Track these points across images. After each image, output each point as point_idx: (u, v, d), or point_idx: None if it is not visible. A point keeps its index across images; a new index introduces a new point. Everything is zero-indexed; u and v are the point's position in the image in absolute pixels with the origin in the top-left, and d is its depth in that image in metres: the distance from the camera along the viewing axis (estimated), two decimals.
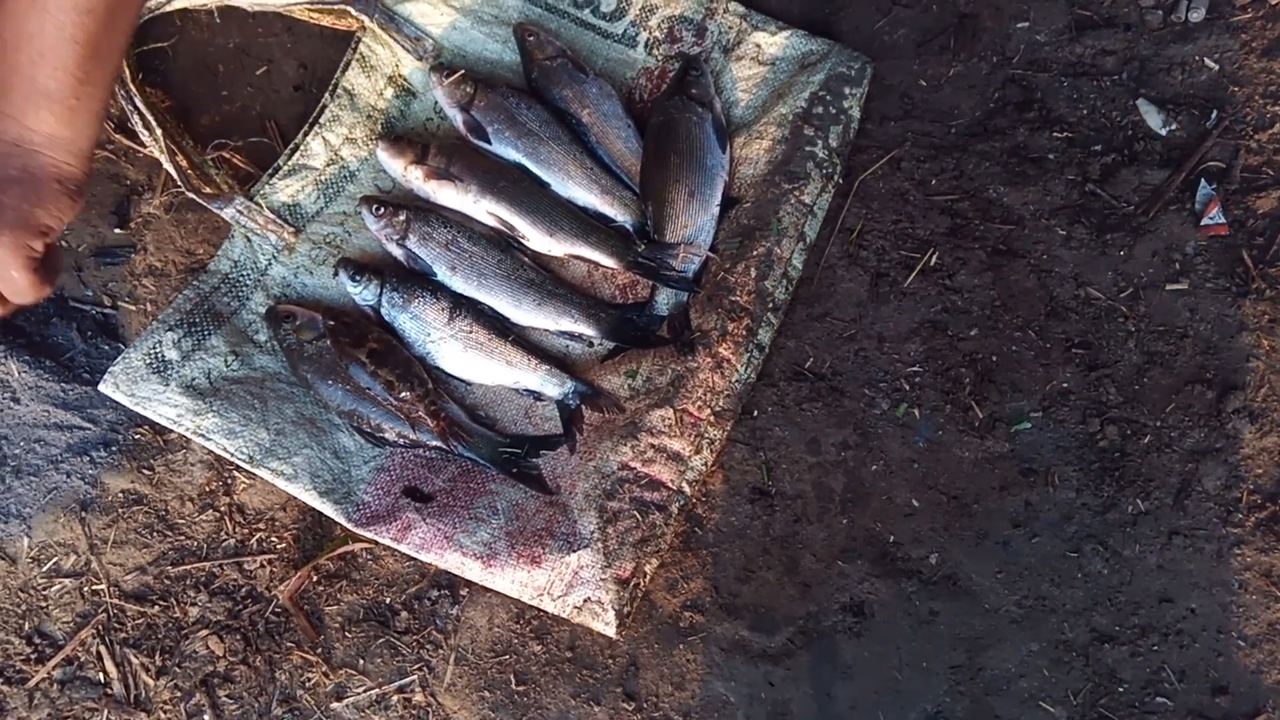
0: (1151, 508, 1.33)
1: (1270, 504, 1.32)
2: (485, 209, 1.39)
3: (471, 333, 1.36)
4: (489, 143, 1.41)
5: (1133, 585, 1.31)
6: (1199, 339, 1.37)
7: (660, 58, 1.49)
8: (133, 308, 1.42)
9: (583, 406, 1.36)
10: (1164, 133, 1.45)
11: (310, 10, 1.45)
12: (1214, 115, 1.44)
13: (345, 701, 1.30)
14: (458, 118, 1.42)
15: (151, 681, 1.30)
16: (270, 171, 1.42)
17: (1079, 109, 1.46)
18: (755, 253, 1.36)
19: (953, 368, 1.38)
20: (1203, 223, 1.40)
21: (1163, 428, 1.35)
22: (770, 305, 1.36)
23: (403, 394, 1.31)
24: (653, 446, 1.30)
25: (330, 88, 1.45)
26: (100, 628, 1.31)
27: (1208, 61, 1.46)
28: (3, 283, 1.07)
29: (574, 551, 1.27)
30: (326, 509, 1.29)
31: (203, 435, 1.28)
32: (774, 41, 1.46)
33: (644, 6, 1.49)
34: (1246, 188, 1.41)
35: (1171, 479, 1.33)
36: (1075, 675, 1.29)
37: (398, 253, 1.38)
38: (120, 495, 1.35)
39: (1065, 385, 1.37)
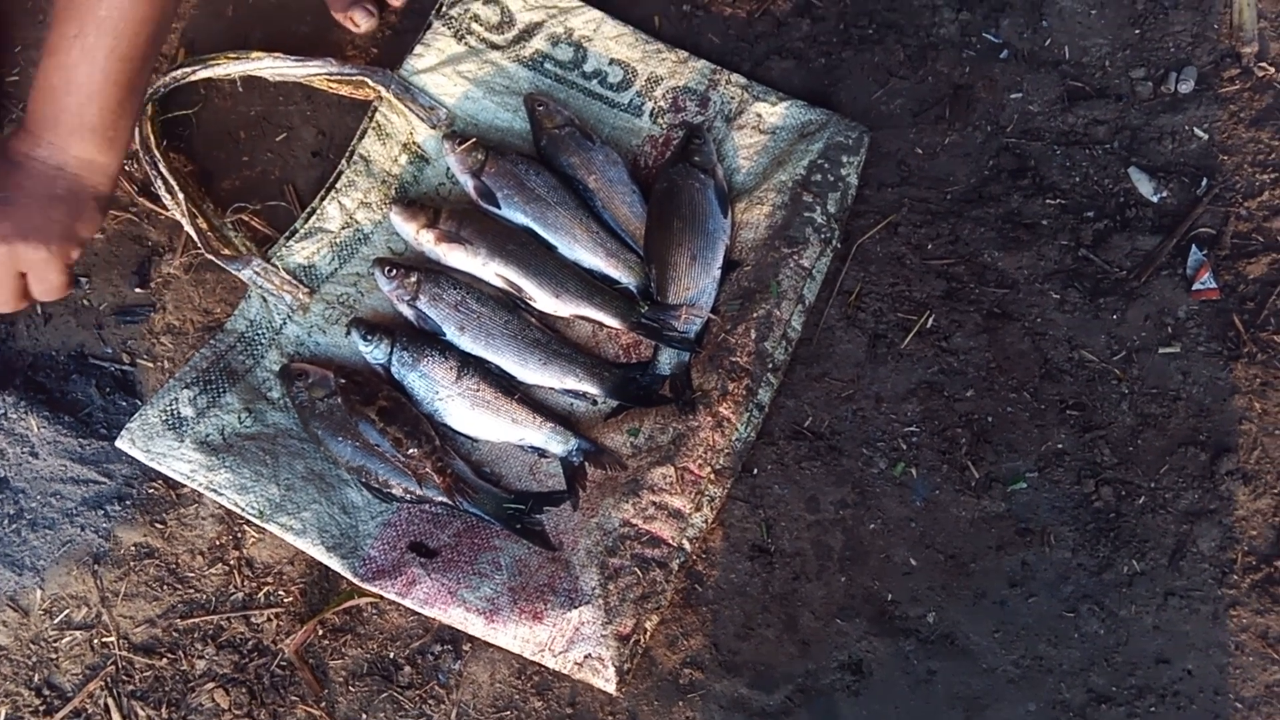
0: (1147, 568, 1.34)
1: (1265, 565, 1.33)
2: (494, 271, 1.43)
3: (479, 391, 1.39)
4: (499, 207, 1.46)
5: (1129, 646, 1.32)
6: (1192, 402, 1.40)
7: (665, 126, 1.54)
8: (151, 365, 1.46)
9: (586, 463, 1.38)
10: (1155, 200, 1.48)
11: (329, 80, 1.51)
12: (1204, 183, 1.48)
13: None
14: (469, 183, 1.47)
15: None
16: (287, 234, 1.47)
17: (1071, 176, 1.50)
18: (755, 314, 1.40)
19: (949, 428, 1.40)
20: (1194, 287, 1.43)
21: (1157, 489, 1.37)
22: (770, 366, 1.39)
23: (410, 450, 1.34)
24: (654, 504, 1.33)
25: (347, 154, 1.50)
26: (109, 680, 1.33)
27: (1197, 131, 1.50)
28: (40, 283, 1.23)
29: (575, 608, 1.29)
30: (333, 564, 1.31)
31: (215, 490, 1.31)
32: (774, 111, 1.51)
33: (649, 77, 1.55)
34: (1237, 254, 1.45)
35: (1166, 540, 1.35)
36: None
37: (408, 313, 1.42)
38: (132, 548, 1.37)
39: (1060, 446, 1.39)
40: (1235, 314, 1.42)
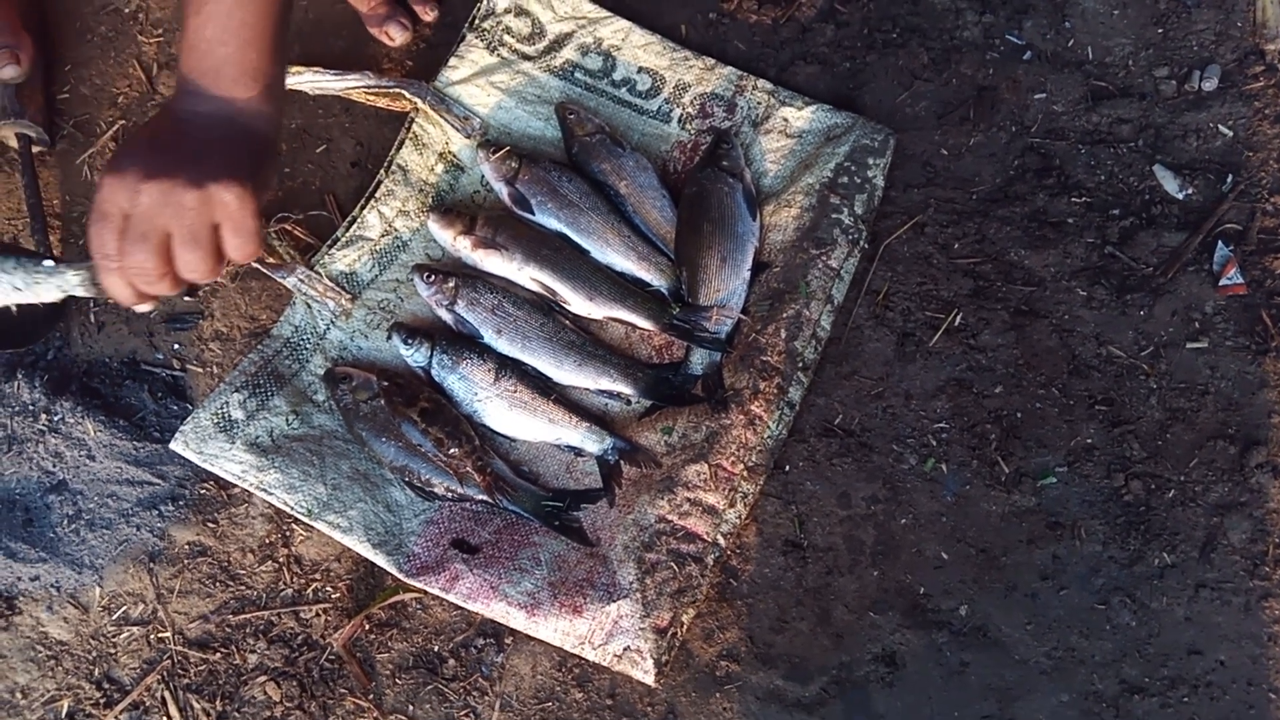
0: (1178, 561, 1.35)
1: None
2: (529, 275, 1.47)
3: (516, 392, 1.43)
4: (532, 213, 1.50)
5: (1161, 637, 1.33)
6: (1220, 396, 1.41)
7: (693, 132, 1.58)
8: (200, 370, 1.51)
9: (621, 462, 1.42)
10: (1181, 197, 1.50)
11: (367, 94, 1.56)
12: (1229, 179, 1.49)
13: None
14: (503, 190, 1.51)
15: None
16: (329, 242, 1.51)
17: (1097, 175, 1.51)
18: (785, 315, 1.43)
19: (978, 424, 1.42)
20: (1221, 283, 1.45)
21: (1187, 482, 1.38)
22: (800, 364, 1.42)
23: (451, 450, 1.38)
24: (688, 500, 1.36)
25: (385, 164, 1.54)
26: (165, 674, 1.38)
27: (1222, 128, 1.52)
28: (235, 233, 1.12)
29: (614, 601, 1.32)
30: (379, 560, 1.35)
31: (265, 490, 1.36)
32: (801, 115, 1.54)
33: (677, 84, 1.58)
34: (1263, 249, 1.46)
35: (1197, 532, 1.36)
36: None
37: (447, 317, 1.46)
38: (186, 547, 1.42)
39: (1089, 441, 1.40)
40: (1263, 308, 1.43)
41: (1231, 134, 1.51)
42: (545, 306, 1.47)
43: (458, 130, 1.55)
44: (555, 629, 1.32)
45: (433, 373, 1.44)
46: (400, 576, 1.35)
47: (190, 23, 1.12)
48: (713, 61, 1.59)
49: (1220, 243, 1.46)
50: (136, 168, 1.08)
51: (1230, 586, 1.34)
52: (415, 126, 1.56)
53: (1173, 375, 1.42)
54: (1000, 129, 1.54)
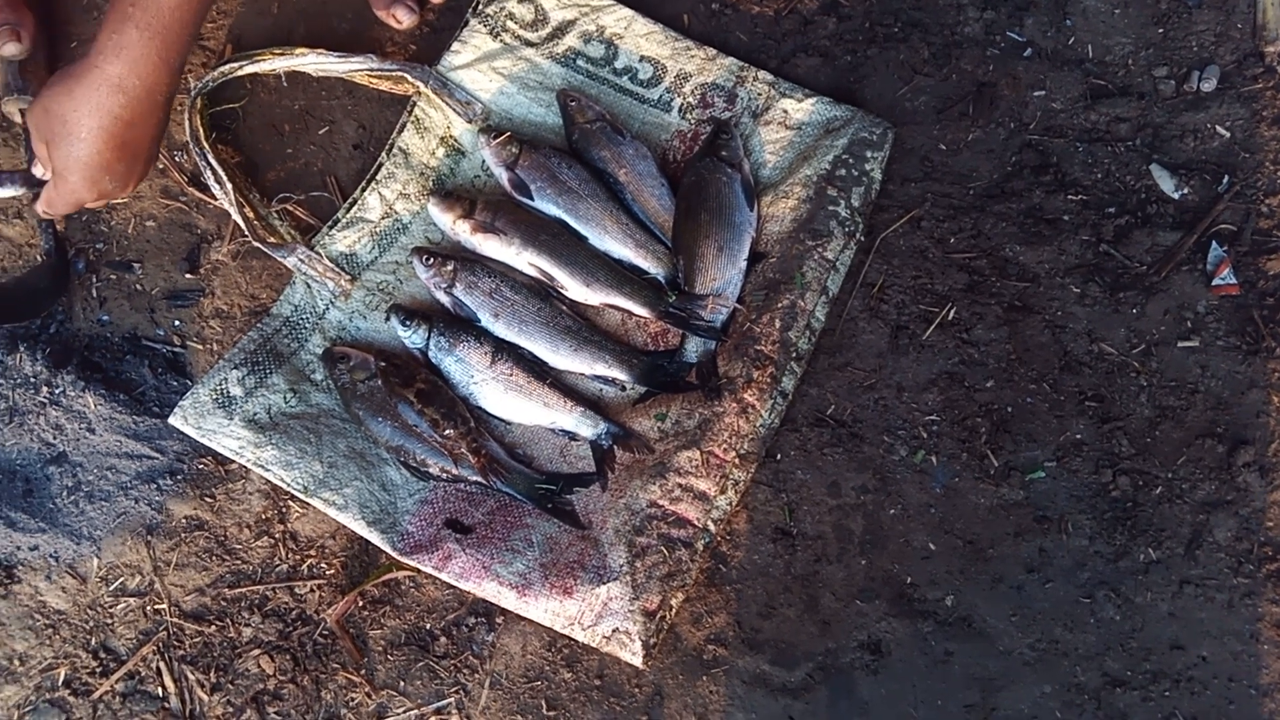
0: (1163, 557, 1.37)
1: None
2: (527, 260, 1.48)
3: (512, 375, 1.44)
4: (532, 199, 1.51)
5: (1144, 632, 1.35)
6: (1210, 395, 1.42)
7: (693, 121, 1.59)
8: (200, 347, 1.52)
9: (615, 447, 1.43)
10: (1176, 196, 1.51)
11: (370, 76, 1.57)
12: (1225, 180, 1.50)
13: None
14: (503, 176, 1.52)
15: (206, 697, 1.38)
16: (330, 223, 1.52)
17: (1093, 173, 1.52)
18: (780, 305, 1.44)
19: (969, 417, 1.43)
20: (1214, 283, 1.46)
21: (1174, 479, 1.39)
22: (794, 355, 1.43)
23: (447, 432, 1.39)
24: (680, 486, 1.37)
25: (387, 147, 1.56)
26: (160, 645, 1.40)
27: (1219, 129, 1.53)
28: None
29: (604, 584, 1.34)
30: (373, 538, 1.37)
31: (261, 466, 1.38)
32: (800, 108, 1.55)
33: (679, 74, 1.59)
34: (1257, 250, 1.47)
35: (1183, 529, 1.37)
36: (1087, 718, 1.32)
37: (445, 300, 1.48)
38: (183, 521, 1.44)
39: (1079, 436, 1.42)
40: (1255, 309, 1.44)
41: (1229, 135, 1.52)
42: (543, 292, 1.49)
43: (459, 115, 1.56)
44: (545, 609, 1.34)
45: (430, 355, 1.45)
46: (394, 554, 1.36)
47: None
48: (714, 52, 1.59)
49: (1214, 243, 1.47)
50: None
51: (1214, 583, 1.35)
52: (417, 110, 1.57)
53: (1163, 373, 1.43)
54: (999, 125, 1.55)
